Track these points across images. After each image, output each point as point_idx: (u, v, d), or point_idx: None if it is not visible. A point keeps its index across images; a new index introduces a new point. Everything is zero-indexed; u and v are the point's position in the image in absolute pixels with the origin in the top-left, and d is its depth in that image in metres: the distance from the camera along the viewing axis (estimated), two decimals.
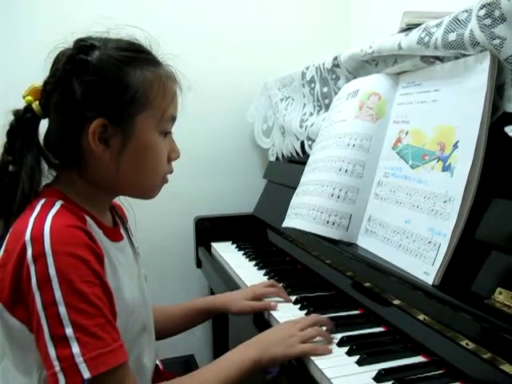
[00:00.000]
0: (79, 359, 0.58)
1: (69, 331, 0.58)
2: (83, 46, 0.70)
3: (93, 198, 0.74)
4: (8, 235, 0.66)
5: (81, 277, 0.61)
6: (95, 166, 0.71)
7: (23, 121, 0.71)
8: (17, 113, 0.73)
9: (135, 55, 0.71)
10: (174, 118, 0.77)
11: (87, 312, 0.60)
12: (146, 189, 0.77)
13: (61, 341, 0.58)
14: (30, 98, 0.72)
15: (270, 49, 1.78)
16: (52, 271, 0.59)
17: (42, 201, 0.68)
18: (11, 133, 0.72)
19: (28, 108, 0.72)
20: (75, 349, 0.58)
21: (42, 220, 0.63)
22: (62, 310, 0.59)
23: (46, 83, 0.72)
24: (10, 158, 0.71)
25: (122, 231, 0.82)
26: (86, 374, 0.58)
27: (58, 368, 0.58)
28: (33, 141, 0.72)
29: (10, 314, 0.62)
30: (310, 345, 0.80)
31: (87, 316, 0.60)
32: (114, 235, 0.77)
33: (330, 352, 0.79)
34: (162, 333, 0.98)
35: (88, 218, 0.70)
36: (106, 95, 0.68)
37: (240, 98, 1.77)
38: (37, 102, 0.72)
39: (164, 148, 0.75)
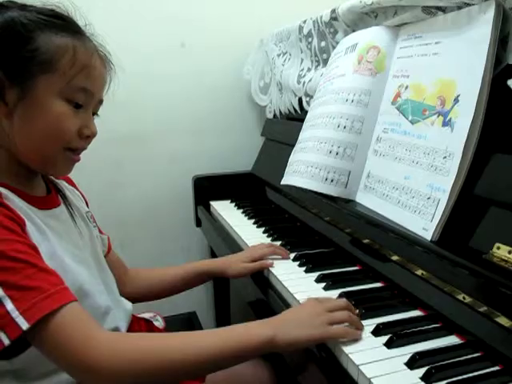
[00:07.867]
0: (15, 313, 0.59)
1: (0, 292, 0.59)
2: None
3: (9, 167, 0.72)
4: None
5: None
6: None
7: None
8: None
9: (51, 20, 0.71)
10: (85, 90, 0.73)
11: (12, 268, 0.60)
12: (45, 159, 0.74)
13: None
14: None
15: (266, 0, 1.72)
16: None
17: None
18: None
19: None
20: (9, 306, 0.59)
21: None
22: None
23: None
24: None
25: (60, 199, 0.82)
26: (24, 325, 0.58)
27: None
28: None
29: None
30: (341, 327, 0.71)
31: (13, 272, 0.60)
32: (44, 203, 0.75)
33: (361, 337, 0.71)
34: (163, 293, 1.00)
35: (4, 190, 0.68)
36: (5, 47, 0.68)
37: (236, 54, 1.72)
38: None
39: (69, 118, 0.72)
